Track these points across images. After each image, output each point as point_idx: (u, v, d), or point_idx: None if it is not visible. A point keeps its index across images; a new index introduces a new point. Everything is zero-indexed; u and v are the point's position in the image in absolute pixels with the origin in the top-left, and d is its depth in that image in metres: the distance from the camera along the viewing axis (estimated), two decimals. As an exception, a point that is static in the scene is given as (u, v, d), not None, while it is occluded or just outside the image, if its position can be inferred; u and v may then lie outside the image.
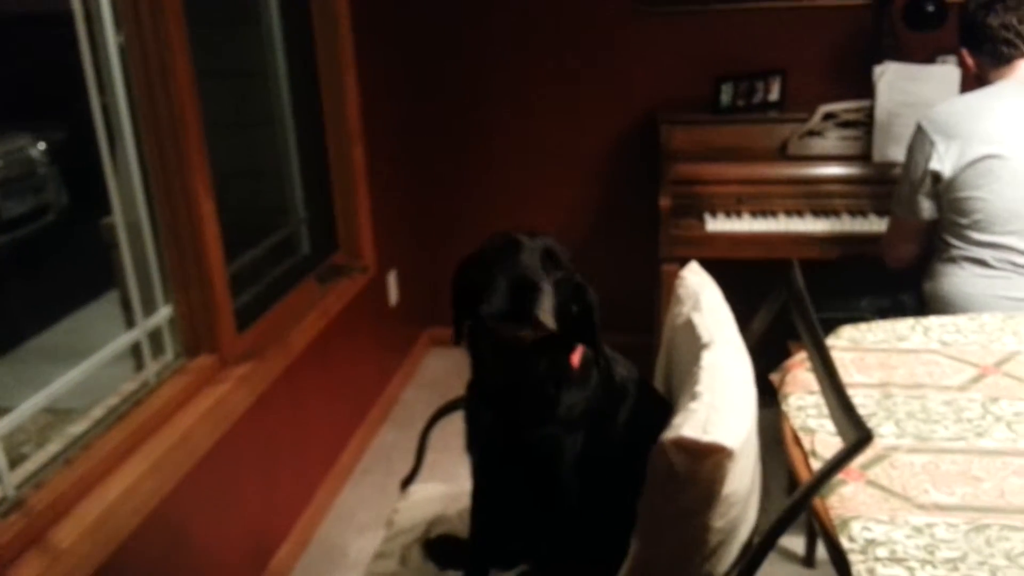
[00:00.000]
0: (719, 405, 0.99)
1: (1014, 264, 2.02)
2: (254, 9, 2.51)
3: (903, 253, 2.26)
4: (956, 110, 2.08)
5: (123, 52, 1.77)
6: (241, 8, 2.52)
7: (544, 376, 1.20)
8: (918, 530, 1.11)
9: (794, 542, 2.26)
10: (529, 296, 1.07)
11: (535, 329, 1.09)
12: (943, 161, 2.04)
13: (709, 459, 0.93)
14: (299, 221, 2.72)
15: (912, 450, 1.30)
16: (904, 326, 1.72)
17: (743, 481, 1.02)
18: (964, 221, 2.06)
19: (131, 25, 1.75)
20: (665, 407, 1.32)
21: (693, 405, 1.00)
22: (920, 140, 2.09)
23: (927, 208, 2.13)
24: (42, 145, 4.75)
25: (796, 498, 1.06)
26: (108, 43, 1.75)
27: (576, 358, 1.23)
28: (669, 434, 0.96)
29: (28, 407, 1.57)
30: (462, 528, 1.56)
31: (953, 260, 2.10)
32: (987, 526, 1.12)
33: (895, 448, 1.30)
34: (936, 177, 2.07)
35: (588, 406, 1.23)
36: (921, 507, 1.16)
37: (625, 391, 1.28)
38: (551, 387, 1.21)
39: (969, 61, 2.16)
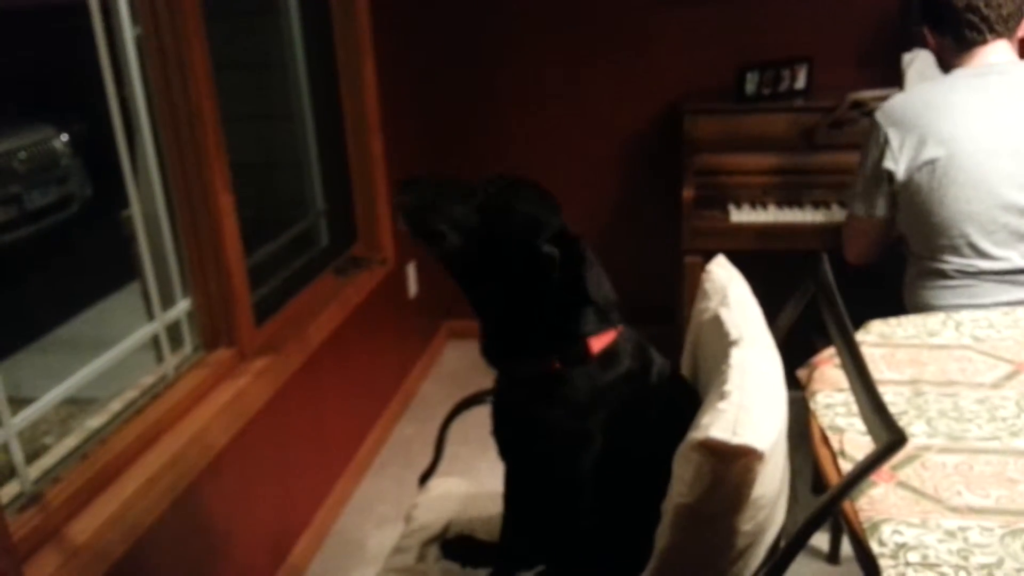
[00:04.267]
0: (749, 405, 0.96)
1: (974, 271, 1.92)
2: (272, 0, 2.50)
3: (861, 252, 2.16)
4: (912, 104, 1.97)
5: (140, 44, 1.76)
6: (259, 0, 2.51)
7: (520, 332, 1.21)
8: (951, 534, 1.08)
9: (818, 538, 2.22)
10: (403, 193, 1.20)
11: (423, 234, 1.18)
12: (897, 160, 1.94)
13: (738, 462, 0.90)
14: (318, 213, 2.71)
15: (944, 450, 1.26)
16: (935, 321, 1.68)
17: (772, 483, 0.99)
18: (922, 227, 1.97)
19: (147, 17, 1.74)
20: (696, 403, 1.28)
21: (722, 405, 0.97)
22: (875, 134, 2.00)
23: (882, 206, 2.03)
24: (65, 137, 4.78)
25: (824, 502, 1.03)
26: (125, 35, 1.74)
27: (597, 345, 1.20)
28: (697, 435, 0.93)
29: (48, 400, 1.57)
30: (480, 526, 1.55)
31: (920, 273, 2.01)
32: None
33: (927, 448, 1.26)
34: (890, 176, 1.97)
35: (597, 398, 1.19)
36: (954, 510, 1.12)
37: (658, 403, 1.24)
38: (555, 361, 1.19)
39: (931, 41, 2.06)
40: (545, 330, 1.19)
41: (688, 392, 1.31)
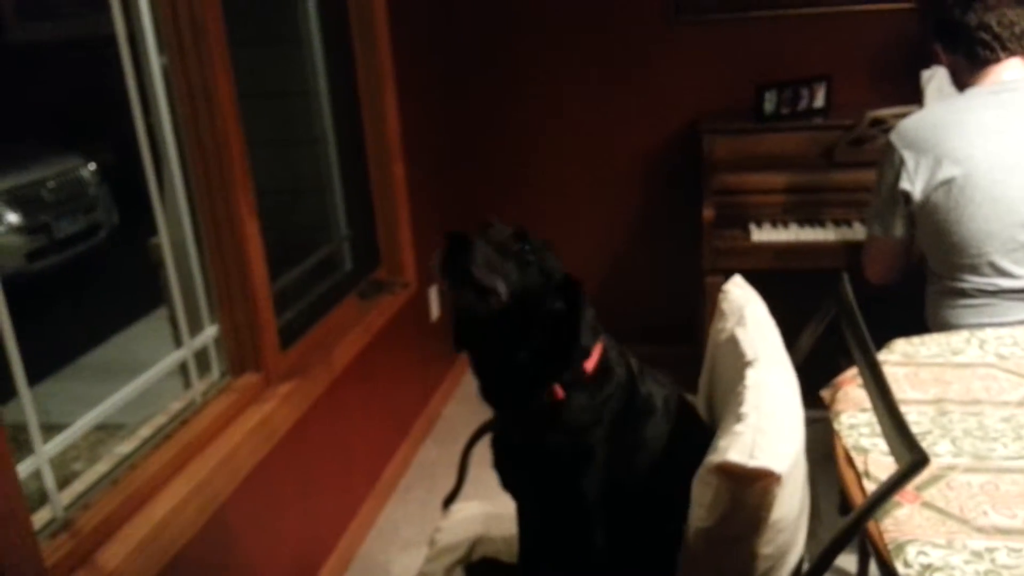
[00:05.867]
0: (766, 427, 0.96)
1: (994, 290, 1.90)
2: (295, 30, 2.54)
3: (881, 272, 2.14)
4: (926, 124, 1.97)
5: (166, 74, 1.80)
6: (283, 29, 2.56)
7: (528, 374, 1.21)
8: (977, 555, 1.07)
9: (846, 559, 2.20)
10: (463, 251, 1.12)
11: (475, 289, 1.13)
12: (913, 181, 1.93)
13: (756, 484, 0.90)
14: (341, 238, 2.74)
15: (969, 470, 1.25)
16: (959, 339, 1.67)
17: (792, 505, 0.99)
18: (940, 246, 1.96)
19: (173, 47, 1.77)
20: (702, 428, 1.29)
21: (738, 427, 0.97)
22: (890, 155, 1.99)
23: (899, 227, 2.02)
24: (93, 166, 4.87)
25: (847, 524, 1.03)
26: (152, 65, 1.78)
27: (590, 364, 1.21)
28: (714, 458, 0.93)
29: (79, 426, 1.59)
30: (505, 548, 1.55)
31: (941, 292, 1.99)
32: (1052, 551, 1.07)
33: (952, 468, 1.26)
34: (907, 197, 1.96)
35: (598, 415, 1.20)
36: (980, 530, 1.12)
37: (651, 407, 1.25)
38: (557, 389, 1.20)
39: (944, 59, 2.05)
40: (547, 365, 1.21)
41: (688, 411, 1.33)
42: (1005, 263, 1.89)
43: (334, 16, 2.59)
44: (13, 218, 4.30)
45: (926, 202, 1.94)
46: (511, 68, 3.25)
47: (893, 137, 2.00)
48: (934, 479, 1.23)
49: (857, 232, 2.58)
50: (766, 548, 0.96)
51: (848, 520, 1.04)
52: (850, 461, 1.30)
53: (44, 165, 4.59)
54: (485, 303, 1.14)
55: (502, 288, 1.14)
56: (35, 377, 1.49)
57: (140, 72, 1.75)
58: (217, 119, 1.82)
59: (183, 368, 1.89)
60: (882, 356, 1.61)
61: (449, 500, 1.74)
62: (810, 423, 1.15)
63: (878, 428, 1.18)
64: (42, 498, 1.46)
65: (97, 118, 4.08)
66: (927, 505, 1.17)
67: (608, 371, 1.23)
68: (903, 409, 1.07)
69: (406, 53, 2.82)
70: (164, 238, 1.81)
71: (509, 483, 1.33)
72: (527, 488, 1.31)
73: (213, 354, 1.97)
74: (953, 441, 1.32)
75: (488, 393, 1.27)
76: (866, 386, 1.18)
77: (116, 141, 4.54)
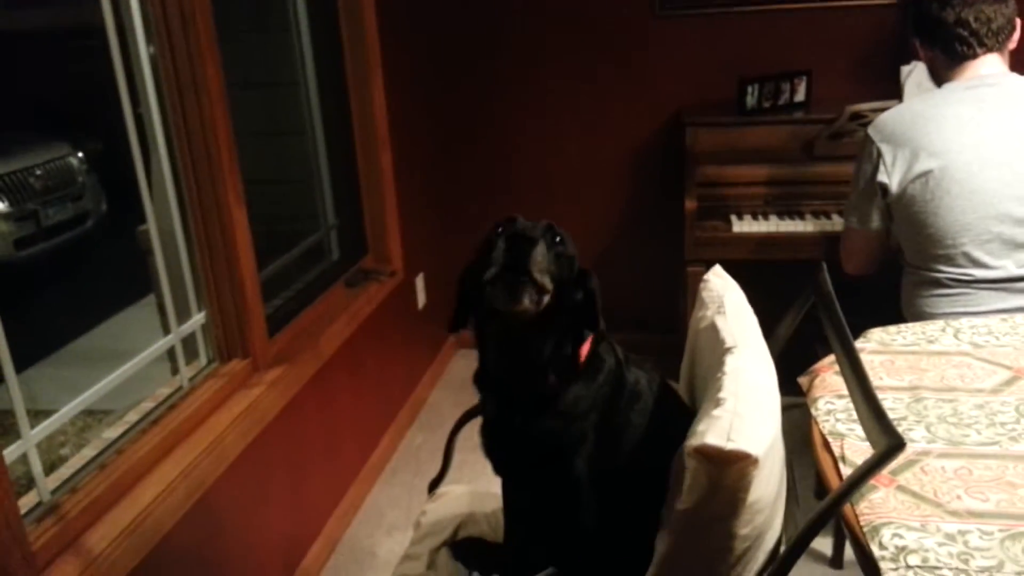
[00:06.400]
0: (743, 412, 0.99)
1: (969, 280, 1.94)
2: (284, 20, 2.54)
3: (858, 264, 2.18)
4: (903, 118, 1.99)
5: (154, 63, 1.80)
6: (271, 19, 2.56)
7: (545, 363, 1.20)
8: (951, 537, 1.09)
9: (821, 542, 2.23)
10: (523, 249, 1.08)
11: (532, 286, 1.09)
12: (890, 174, 1.96)
13: (733, 467, 0.92)
14: (328, 227, 2.75)
15: (944, 455, 1.28)
16: (934, 328, 1.70)
17: (768, 488, 1.01)
18: (916, 237, 1.99)
19: (162, 37, 1.78)
20: (685, 411, 1.31)
21: (716, 412, 0.99)
22: (867, 149, 2.01)
23: (876, 219, 2.06)
24: (81, 154, 4.85)
25: (824, 506, 1.05)
26: (140, 54, 1.78)
27: (583, 353, 1.23)
28: (692, 441, 0.96)
29: (66, 412, 1.60)
30: (489, 530, 1.57)
31: (916, 283, 2.03)
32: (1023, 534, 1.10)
33: (926, 453, 1.28)
34: (884, 190, 1.99)
35: (594, 402, 1.22)
36: (954, 513, 1.14)
37: (637, 392, 1.27)
38: (553, 378, 1.20)
39: (923, 54, 2.08)
40: (552, 354, 1.21)
41: (674, 397, 1.35)
42: (979, 254, 1.92)
43: (322, 4, 2.59)
44: (0, 205, 4.29)
45: (903, 194, 1.97)
46: (497, 61, 3.26)
47: (871, 131, 2.03)
48: (909, 464, 1.25)
49: (835, 224, 2.61)
50: (744, 529, 0.98)
51: (825, 503, 1.06)
52: (827, 446, 1.33)
53: (32, 153, 4.57)
54: (537, 303, 1.11)
55: (551, 286, 1.12)
56: (23, 363, 1.50)
57: (128, 61, 1.75)
58: (205, 108, 1.82)
59: (171, 354, 1.89)
60: (859, 344, 1.63)
61: (434, 484, 1.76)
62: (788, 409, 1.18)
63: (854, 414, 1.20)
64: (29, 482, 1.47)
65: (85, 107, 4.06)
66: (902, 489, 1.19)
67: (599, 359, 1.25)
68: (879, 395, 1.09)
69: (394, 42, 2.83)
70: (152, 226, 1.82)
71: (501, 469, 1.34)
72: (520, 472, 1.32)
73: (201, 341, 1.98)
74: (928, 427, 1.35)
75: (495, 382, 1.26)
76: (843, 373, 1.20)
77: (105, 130, 4.51)
